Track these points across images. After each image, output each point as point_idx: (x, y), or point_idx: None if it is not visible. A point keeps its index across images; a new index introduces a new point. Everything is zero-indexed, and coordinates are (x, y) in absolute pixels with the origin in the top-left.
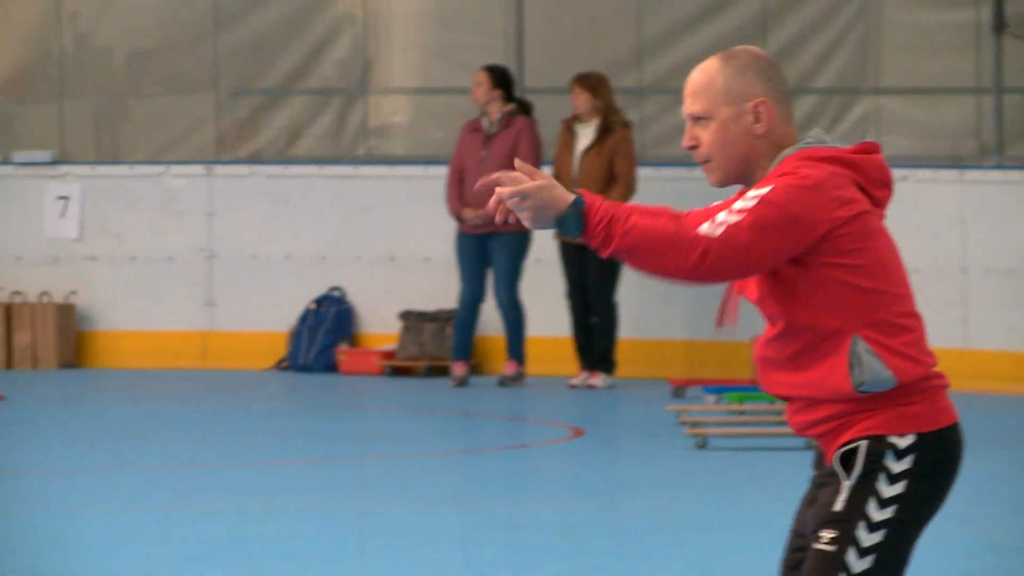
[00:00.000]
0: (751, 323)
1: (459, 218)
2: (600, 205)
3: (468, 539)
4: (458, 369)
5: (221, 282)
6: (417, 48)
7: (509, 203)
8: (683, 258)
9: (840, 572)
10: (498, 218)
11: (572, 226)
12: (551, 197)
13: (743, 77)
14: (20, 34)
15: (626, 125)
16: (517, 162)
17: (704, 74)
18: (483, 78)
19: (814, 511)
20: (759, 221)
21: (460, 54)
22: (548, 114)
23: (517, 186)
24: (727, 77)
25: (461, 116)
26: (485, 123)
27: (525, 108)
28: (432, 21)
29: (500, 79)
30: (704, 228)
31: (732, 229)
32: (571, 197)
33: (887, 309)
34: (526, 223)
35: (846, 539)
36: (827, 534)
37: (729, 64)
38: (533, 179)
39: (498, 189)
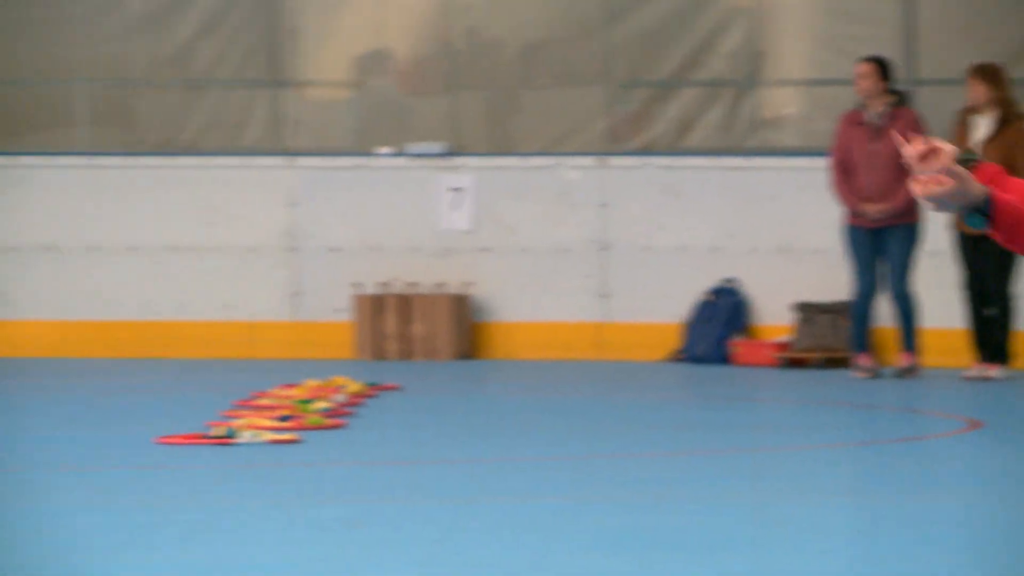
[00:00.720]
0: None
1: (856, 212)
2: (1008, 199)
3: (862, 532)
4: (864, 360)
5: (614, 273)
6: (809, 39)
7: (935, 179)
8: None
9: None
10: (920, 191)
11: (978, 221)
12: (971, 186)
13: None
14: (414, 28)
15: (1022, 117)
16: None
17: None
18: (870, 70)
19: None
20: None
21: (852, 45)
22: (939, 104)
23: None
24: None
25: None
26: (868, 115)
27: (904, 99)
28: (823, 12)
29: (886, 70)
30: None
31: None
32: (982, 192)
33: None
34: (936, 203)
35: None
36: None
37: None
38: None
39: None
